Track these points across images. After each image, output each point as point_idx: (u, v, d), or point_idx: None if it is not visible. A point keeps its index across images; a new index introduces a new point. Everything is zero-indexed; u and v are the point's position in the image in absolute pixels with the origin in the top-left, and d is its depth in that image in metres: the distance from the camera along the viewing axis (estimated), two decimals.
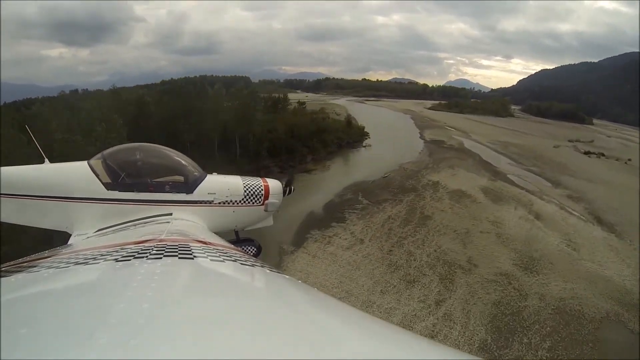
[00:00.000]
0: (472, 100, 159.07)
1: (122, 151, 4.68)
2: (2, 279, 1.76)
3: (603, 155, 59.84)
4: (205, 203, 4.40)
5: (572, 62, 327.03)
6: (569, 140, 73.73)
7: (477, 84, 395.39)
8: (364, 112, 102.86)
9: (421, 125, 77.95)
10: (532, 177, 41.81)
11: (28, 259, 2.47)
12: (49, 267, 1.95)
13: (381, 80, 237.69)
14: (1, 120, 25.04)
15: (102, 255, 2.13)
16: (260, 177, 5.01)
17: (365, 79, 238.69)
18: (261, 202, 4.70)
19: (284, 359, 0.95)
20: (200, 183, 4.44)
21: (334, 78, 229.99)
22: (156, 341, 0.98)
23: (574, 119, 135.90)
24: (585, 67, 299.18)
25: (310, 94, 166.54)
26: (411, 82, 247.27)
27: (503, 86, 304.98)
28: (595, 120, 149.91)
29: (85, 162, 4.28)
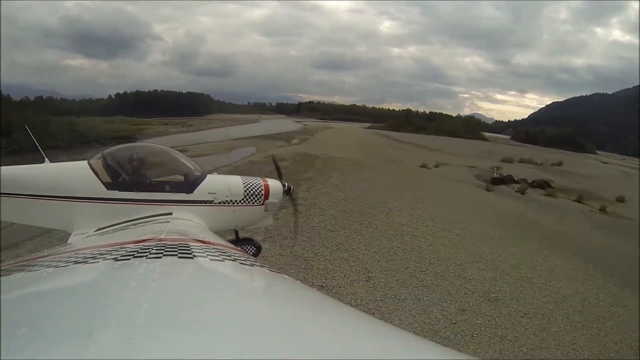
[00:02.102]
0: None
1: (123, 150, 4.44)
2: (2, 278, 1.70)
3: (545, 187, 24.32)
4: (206, 203, 4.26)
5: (585, 94, 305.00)
6: (502, 160, 41.23)
7: (492, 118, 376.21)
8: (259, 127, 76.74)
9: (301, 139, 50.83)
10: None
11: (27, 258, 2.46)
12: (49, 266, 1.89)
13: (357, 105, 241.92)
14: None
15: (101, 254, 2.05)
16: (261, 177, 4.96)
17: (344, 104, 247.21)
18: (261, 202, 4.61)
19: (283, 359, 0.93)
20: (200, 183, 4.29)
21: (312, 102, 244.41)
22: (156, 341, 0.95)
23: (570, 146, 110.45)
24: (597, 98, 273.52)
25: (268, 115, 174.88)
26: (403, 110, 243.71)
27: (517, 120, 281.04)
28: (602, 152, 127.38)
29: (85, 162, 4.14)
